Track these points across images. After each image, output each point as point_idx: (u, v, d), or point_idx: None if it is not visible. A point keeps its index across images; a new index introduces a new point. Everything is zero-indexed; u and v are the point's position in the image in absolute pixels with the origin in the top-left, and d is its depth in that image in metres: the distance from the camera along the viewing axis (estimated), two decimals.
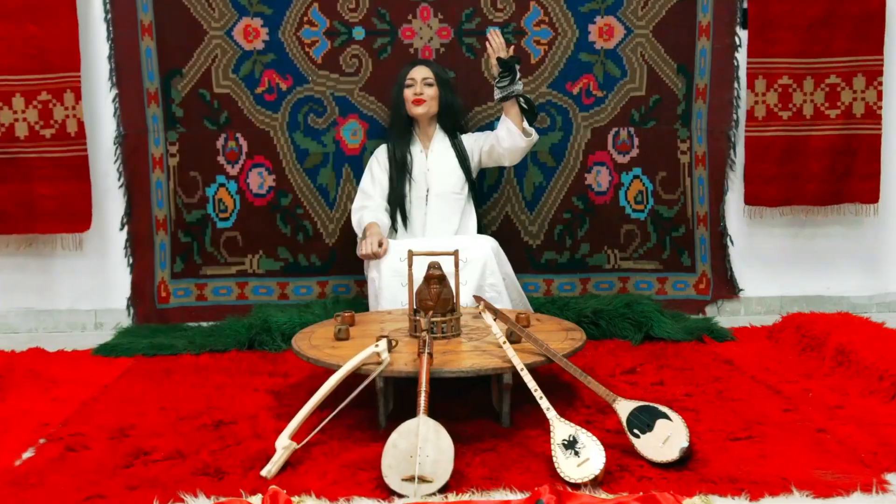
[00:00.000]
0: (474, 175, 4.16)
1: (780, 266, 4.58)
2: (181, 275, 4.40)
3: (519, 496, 2.40)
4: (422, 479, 2.43)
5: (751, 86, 4.30)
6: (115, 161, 4.31)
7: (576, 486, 2.45)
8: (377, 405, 2.92)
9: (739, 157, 4.47)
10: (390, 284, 3.73)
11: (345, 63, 4.32)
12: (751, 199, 4.40)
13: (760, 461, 2.64)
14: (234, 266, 4.41)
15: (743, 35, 4.39)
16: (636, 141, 4.44)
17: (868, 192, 4.34)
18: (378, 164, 4.13)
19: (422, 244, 3.84)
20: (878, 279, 4.62)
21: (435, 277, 3.12)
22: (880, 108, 4.28)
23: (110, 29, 4.24)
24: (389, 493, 2.43)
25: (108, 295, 4.42)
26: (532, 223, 4.45)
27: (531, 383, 2.74)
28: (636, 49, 4.38)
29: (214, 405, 3.21)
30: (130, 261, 4.38)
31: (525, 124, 3.87)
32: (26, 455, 2.78)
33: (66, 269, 4.39)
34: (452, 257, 3.16)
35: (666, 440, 2.63)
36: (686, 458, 2.60)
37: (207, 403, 3.23)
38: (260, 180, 4.37)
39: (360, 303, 4.26)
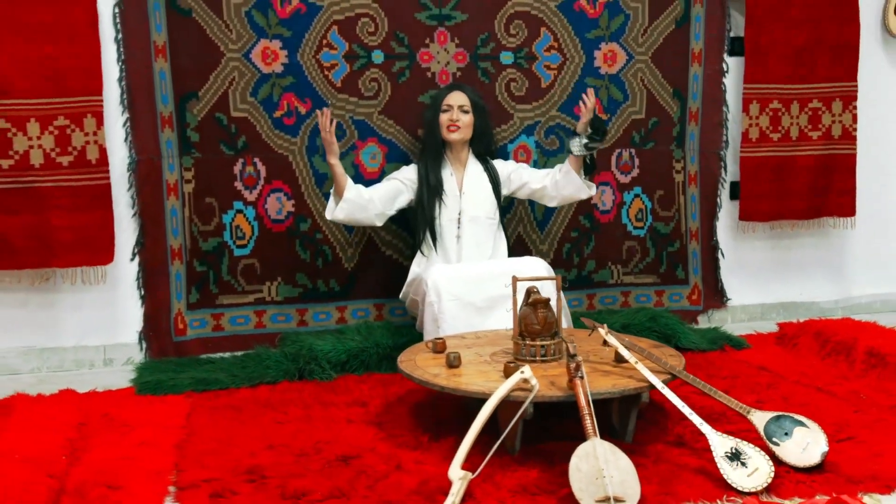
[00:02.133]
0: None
1: (760, 276, 4.95)
2: (196, 305, 4.22)
3: None
4: (616, 500, 2.52)
5: (746, 109, 4.64)
6: (129, 189, 4.08)
7: (751, 496, 2.61)
8: (512, 431, 2.94)
9: (727, 176, 4.80)
10: (450, 308, 3.77)
11: (364, 86, 4.30)
12: (745, 214, 4.73)
13: (880, 459, 2.88)
14: (251, 294, 4.28)
15: (731, 61, 4.73)
16: (637, 161, 4.67)
17: (845, 207, 4.78)
18: (400, 182, 4.12)
19: (471, 269, 3.93)
20: (842, 285, 5.09)
21: (542, 302, 3.20)
22: (855, 129, 4.73)
23: (121, 50, 4.01)
24: None
25: (118, 329, 4.17)
26: (542, 242, 4.59)
27: (677, 400, 2.88)
28: (637, 74, 4.61)
29: (321, 439, 3.13)
30: (142, 292, 4.17)
31: (584, 177, 4.07)
32: None
33: (72, 303, 4.11)
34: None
35: (806, 446, 2.83)
36: (823, 462, 2.82)
37: (312, 438, 3.15)
38: (278, 206, 4.27)
39: (391, 326, 4.25)
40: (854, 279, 5.09)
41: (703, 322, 4.84)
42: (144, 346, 4.19)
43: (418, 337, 4.01)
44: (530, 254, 4.54)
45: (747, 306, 4.94)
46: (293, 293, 4.33)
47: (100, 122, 3.89)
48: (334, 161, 3.92)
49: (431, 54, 4.37)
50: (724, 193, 4.83)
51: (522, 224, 4.56)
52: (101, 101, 3.90)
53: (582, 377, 2.82)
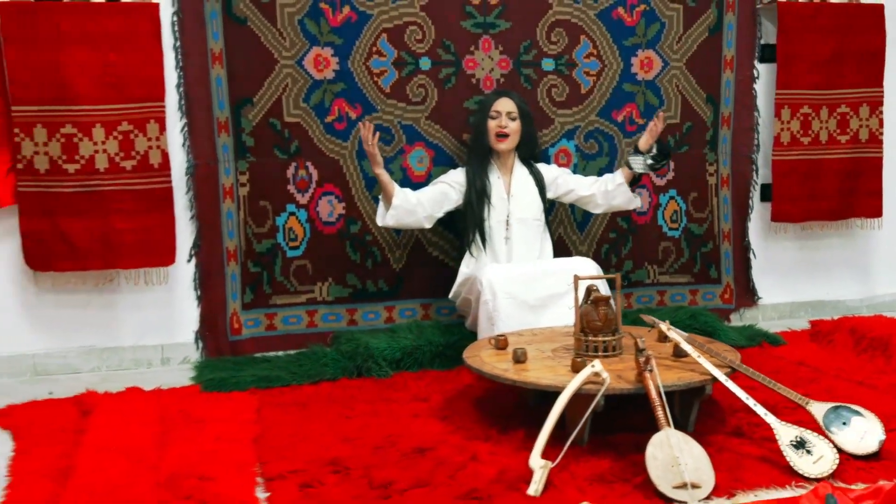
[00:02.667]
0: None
1: (790, 275, 5.11)
2: (250, 305, 4.34)
3: (788, 494, 2.68)
4: (693, 486, 2.65)
5: (778, 114, 4.80)
6: (187, 192, 4.20)
7: (819, 482, 2.75)
8: (582, 422, 3.06)
9: (758, 178, 4.96)
10: (504, 306, 3.90)
11: (412, 92, 4.44)
12: (777, 216, 4.89)
13: None
14: (303, 294, 4.41)
15: (761, 68, 4.89)
16: (672, 165, 4.81)
17: (872, 208, 4.95)
18: (448, 185, 4.25)
19: (524, 268, 4.06)
20: (866, 284, 5.26)
21: (603, 300, 3.33)
22: (881, 133, 4.90)
23: (179, 57, 4.14)
24: (665, 500, 2.64)
25: (175, 329, 4.29)
26: (582, 243, 4.73)
27: (741, 393, 3.02)
28: (672, 80, 4.76)
29: (392, 433, 3.25)
30: (199, 293, 4.29)
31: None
32: (263, 496, 2.76)
33: (131, 303, 4.23)
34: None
35: (864, 435, 2.98)
36: (880, 450, 2.97)
37: (382, 431, 3.27)
38: (330, 208, 4.40)
39: (440, 325, 4.38)
40: (878, 278, 5.26)
41: (735, 320, 4.99)
42: (201, 345, 4.31)
43: (468, 335, 4.15)
44: (570, 254, 4.68)
45: (777, 305, 5.09)
46: (343, 293, 4.45)
47: (162, 127, 4.01)
48: (379, 171, 4.04)
49: (476, 61, 4.51)
50: (756, 195, 4.99)
51: (563, 226, 4.70)
52: (164, 107, 4.02)
53: (652, 370, 2.95)
